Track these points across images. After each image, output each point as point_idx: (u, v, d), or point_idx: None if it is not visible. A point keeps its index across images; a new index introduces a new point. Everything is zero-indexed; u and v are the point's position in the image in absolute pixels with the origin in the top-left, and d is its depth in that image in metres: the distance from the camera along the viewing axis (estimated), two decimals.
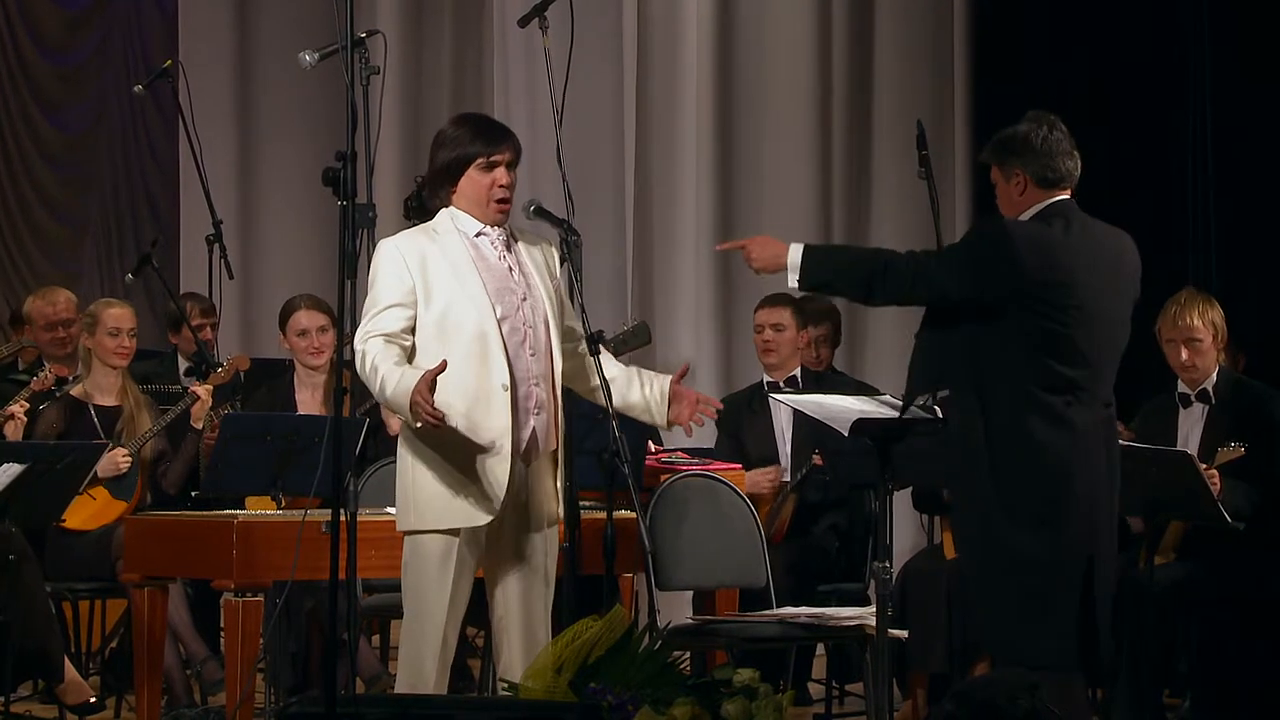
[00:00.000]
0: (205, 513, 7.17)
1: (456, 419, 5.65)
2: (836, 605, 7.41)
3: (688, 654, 6.05)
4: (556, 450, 5.82)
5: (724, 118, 10.74)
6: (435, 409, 5.51)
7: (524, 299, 5.79)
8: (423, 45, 11.85)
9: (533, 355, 5.77)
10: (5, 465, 7.11)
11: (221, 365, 8.45)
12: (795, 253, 5.78)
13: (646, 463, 7.32)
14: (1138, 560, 7.22)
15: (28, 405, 8.06)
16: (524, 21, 6.72)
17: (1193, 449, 7.18)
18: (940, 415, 5.90)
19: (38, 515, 7.52)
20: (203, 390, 8.18)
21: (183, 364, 9.31)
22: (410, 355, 5.71)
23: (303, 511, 6.30)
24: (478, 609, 6.08)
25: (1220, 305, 7.45)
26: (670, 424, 5.98)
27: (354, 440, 6.92)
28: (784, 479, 8.25)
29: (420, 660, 5.75)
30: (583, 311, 5.85)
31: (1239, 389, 7.41)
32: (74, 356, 8.50)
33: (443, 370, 5.54)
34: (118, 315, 8.19)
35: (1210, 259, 9.49)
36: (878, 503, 6.07)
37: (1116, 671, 7.15)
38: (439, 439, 5.69)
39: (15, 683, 7.74)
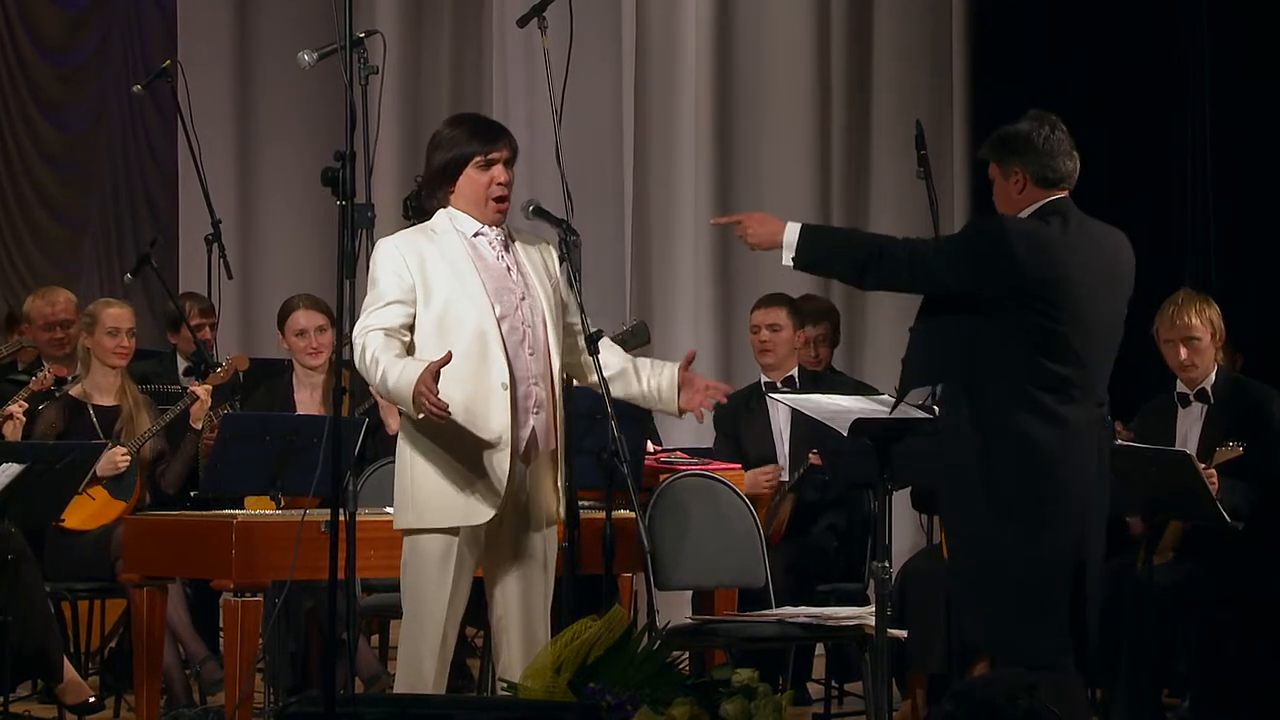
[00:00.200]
0: (204, 513, 7.17)
1: (456, 417, 5.64)
2: (835, 605, 7.42)
3: (686, 654, 6.05)
4: (556, 449, 5.82)
5: (723, 118, 10.75)
6: (439, 400, 5.50)
7: (522, 298, 5.79)
8: (422, 45, 11.85)
9: (531, 354, 5.78)
10: (4, 465, 7.11)
11: (220, 365, 8.45)
12: (791, 231, 5.78)
13: (646, 463, 7.32)
14: (1137, 560, 7.21)
15: (27, 405, 8.06)
16: (523, 21, 6.72)
17: (1191, 449, 7.18)
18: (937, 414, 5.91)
19: (37, 515, 7.52)
20: (202, 390, 8.18)
21: (182, 364, 9.31)
22: (409, 352, 5.71)
23: (302, 511, 6.30)
24: (477, 608, 6.08)
25: (1219, 306, 7.46)
26: (682, 412, 5.98)
27: (353, 440, 6.92)
28: (782, 478, 8.25)
29: (419, 660, 5.75)
30: (581, 311, 5.85)
31: (1238, 389, 7.42)
32: (73, 357, 8.50)
33: (447, 361, 5.53)
34: (116, 315, 8.19)
35: (1209, 260, 9.49)
36: (877, 502, 6.07)
37: (1116, 671, 7.16)
38: (438, 437, 5.69)
39: (14, 683, 7.74)
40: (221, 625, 7.16)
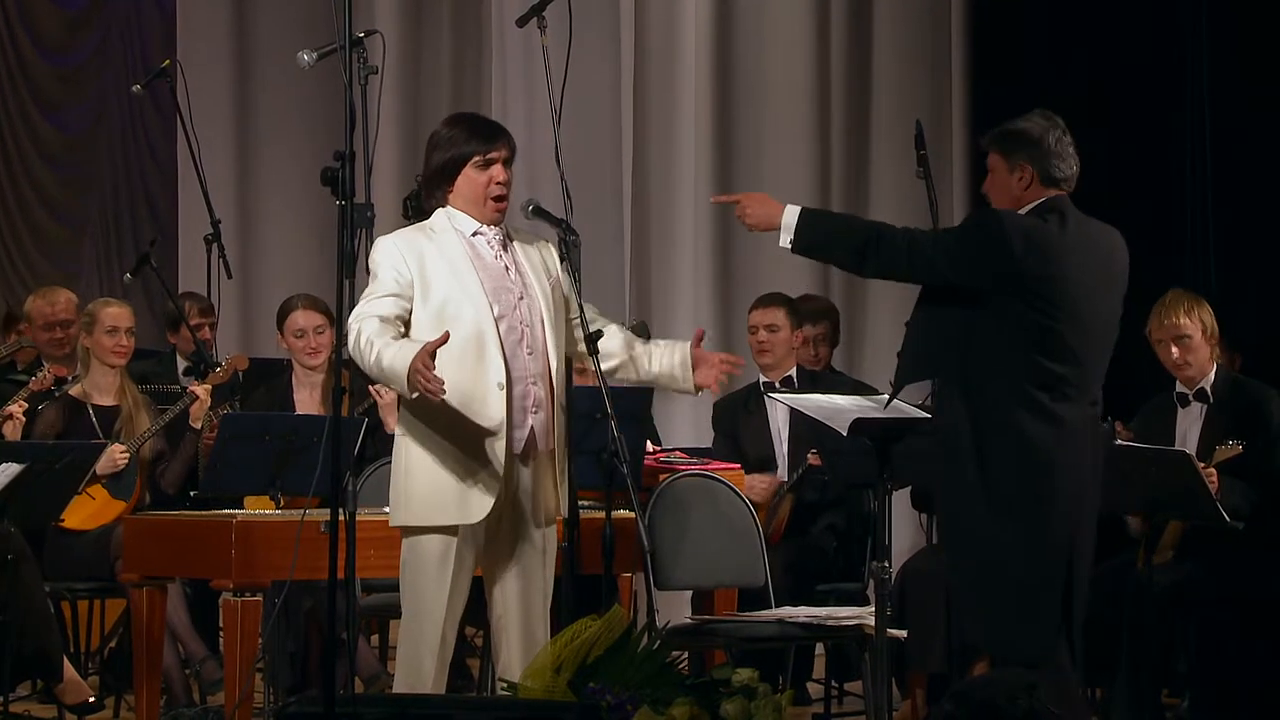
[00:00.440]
0: (204, 512, 7.17)
1: (452, 401, 5.64)
2: (835, 605, 7.42)
3: (686, 654, 6.05)
4: (556, 448, 5.81)
5: (722, 117, 10.74)
6: (435, 377, 5.46)
7: (521, 298, 5.79)
8: (421, 45, 11.85)
9: (530, 354, 5.77)
10: (4, 465, 7.11)
11: (220, 365, 8.45)
12: (790, 214, 5.77)
13: (646, 463, 7.32)
14: (1137, 560, 7.21)
15: (26, 405, 8.06)
16: (522, 21, 6.72)
17: (1191, 448, 7.19)
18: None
19: (36, 515, 7.52)
20: (201, 390, 8.18)
21: (181, 364, 9.31)
22: None
23: (301, 511, 6.30)
24: (477, 608, 6.08)
25: (1219, 307, 7.47)
26: (699, 389, 5.96)
27: (353, 440, 6.93)
28: (781, 478, 8.25)
29: (418, 660, 5.74)
30: (581, 312, 5.85)
31: (1237, 388, 7.42)
32: (73, 357, 8.50)
33: (444, 342, 5.50)
34: (115, 314, 8.19)
35: (1209, 260, 9.49)
36: (876, 502, 6.07)
37: (1116, 671, 7.16)
38: (434, 435, 5.68)
39: (14, 682, 7.74)
40: (221, 625, 7.16)
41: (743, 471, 7.73)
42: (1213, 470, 7.06)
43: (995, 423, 5.69)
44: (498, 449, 5.69)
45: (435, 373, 5.44)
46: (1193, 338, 7.35)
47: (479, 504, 5.69)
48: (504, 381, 5.69)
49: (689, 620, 7.04)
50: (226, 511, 7.08)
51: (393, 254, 5.72)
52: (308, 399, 8.12)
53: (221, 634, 7.20)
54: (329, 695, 5.17)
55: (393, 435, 5.94)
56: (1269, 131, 9.27)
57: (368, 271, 5.70)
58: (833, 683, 8.28)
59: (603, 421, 5.89)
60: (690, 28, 10.73)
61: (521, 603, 5.81)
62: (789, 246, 5.78)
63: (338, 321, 5.50)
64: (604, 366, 5.88)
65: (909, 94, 10.66)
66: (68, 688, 7.65)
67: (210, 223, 9.61)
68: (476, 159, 5.78)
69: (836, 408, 6.08)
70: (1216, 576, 7.22)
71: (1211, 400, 7.39)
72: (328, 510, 5.45)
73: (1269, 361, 8.46)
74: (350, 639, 6.06)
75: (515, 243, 5.88)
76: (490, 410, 5.69)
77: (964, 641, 7.28)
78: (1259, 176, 9.36)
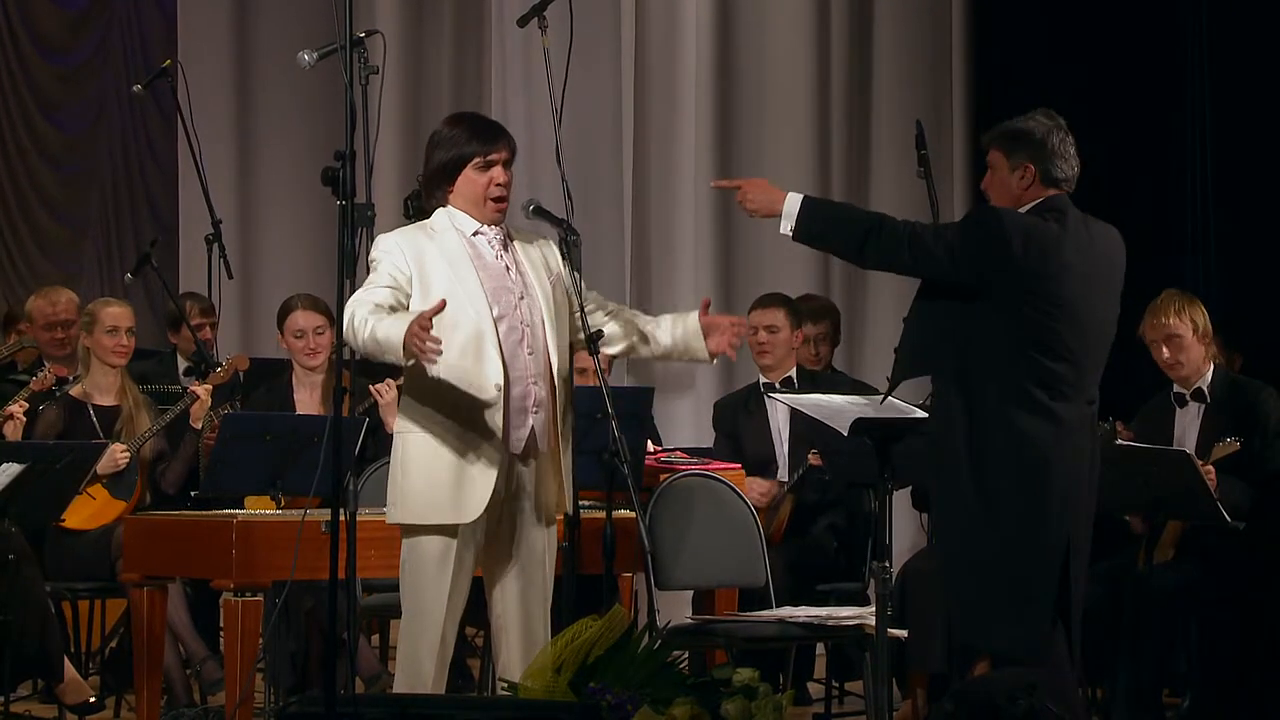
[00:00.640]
0: (204, 512, 7.17)
1: (450, 415, 5.64)
2: (835, 605, 7.42)
3: (687, 653, 6.04)
4: (559, 448, 5.81)
5: (723, 117, 10.74)
6: (433, 337, 5.40)
7: (521, 298, 5.78)
8: (422, 45, 11.85)
9: (530, 354, 5.77)
10: (5, 465, 7.11)
11: (220, 365, 8.45)
12: (792, 201, 5.76)
13: (646, 463, 7.32)
14: (1137, 560, 7.22)
15: (27, 405, 8.06)
16: (523, 21, 6.72)
17: (1189, 448, 7.19)
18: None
19: (37, 515, 7.52)
20: (202, 390, 8.18)
21: (182, 364, 9.31)
22: None
23: (302, 511, 6.30)
24: (477, 608, 6.08)
25: (1219, 307, 7.48)
26: (713, 356, 5.95)
27: (353, 440, 6.93)
28: (782, 479, 8.25)
29: (418, 660, 5.74)
30: (581, 311, 5.85)
31: (1234, 388, 7.43)
32: (74, 357, 8.50)
33: (441, 310, 5.48)
34: (115, 314, 8.19)
35: (1209, 260, 9.49)
36: (877, 502, 6.07)
37: (1116, 671, 7.16)
38: (431, 433, 5.67)
39: (15, 682, 7.74)
40: (222, 625, 7.16)
41: (743, 472, 7.73)
42: (1211, 468, 7.07)
43: (991, 419, 5.69)
44: (494, 449, 5.69)
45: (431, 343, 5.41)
46: (1184, 337, 7.36)
47: (473, 504, 5.68)
48: (501, 382, 5.69)
49: (689, 620, 7.04)
50: (227, 511, 7.08)
51: (393, 250, 5.72)
52: (308, 399, 8.12)
53: (222, 634, 7.20)
54: (330, 695, 5.17)
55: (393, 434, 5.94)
56: (1269, 131, 9.28)
57: (368, 270, 5.70)
58: (833, 682, 8.28)
59: (603, 421, 5.88)
60: (690, 28, 10.73)
61: (522, 603, 5.81)
62: (789, 234, 5.78)
63: (338, 322, 5.50)
64: (612, 351, 5.91)
65: (909, 94, 10.66)
66: (68, 688, 7.65)
67: (211, 222, 9.61)
68: (477, 160, 5.78)
69: (837, 408, 6.08)
70: (1216, 576, 7.22)
71: (1209, 400, 7.39)
72: (328, 510, 5.45)
73: (1269, 361, 8.47)
74: (351, 639, 6.05)
75: (516, 242, 5.88)
76: (487, 411, 5.68)
77: (964, 641, 7.30)
78: (1259, 176, 9.36)
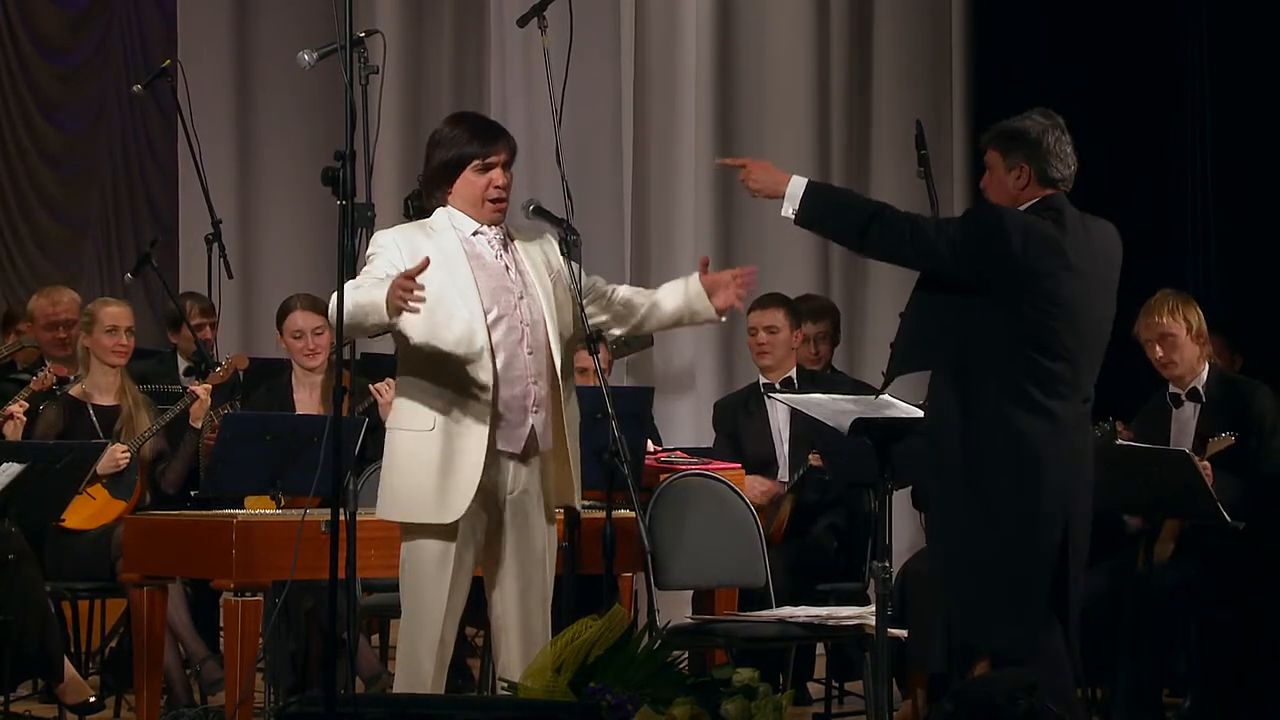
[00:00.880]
0: (204, 512, 7.17)
1: (440, 414, 5.64)
2: (835, 605, 7.42)
3: (687, 653, 6.04)
4: (563, 447, 5.80)
5: (723, 117, 10.74)
6: (417, 284, 5.35)
7: (521, 297, 5.78)
8: (422, 45, 11.85)
9: (530, 353, 5.77)
10: (5, 465, 7.11)
11: (220, 365, 8.46)
12: (796, 184, 5.75)
13: (646, 462, 7.32)
14: (1137, 559, 7.22)
15: (27, 405, 8.06)
16: (523, 21, 6.72)
17: (1186, 448, 7.19)
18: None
19: (37, 515, 7.52)
20: (202, 390, 8.18)
21: (182, 363, 9.31)
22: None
23: (302, 511, 6.30)
24: (477, 608, 6.08)
25: (1219, 307, 7.48)
26: (721, 312, 5.92)
27: (353, 440, 6.93)
28: (782, 479, 8.25)
29: (418, 660, 5.74)
30: (582, 312, 5.84)
31: (1229, 387, 7.44)
32: (75, 357, 8.50)
33: (424, 268, 5.43)
34: (115, 313, 8.19)
35: (1209, 260, 9.49)
36: (877, 502, 6.07)
37: (1116, 671, 7.16)
38: (422, 432, 5.66)
39: (15, 682, 7.74)
40: (222, 625, 7.16)
41: (743, 472, 7.73)
42: (1207, 464, 7.07)
43: (988, 418, 5.69)
44: (481, 449, 5.67)
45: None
46: (1177, 337, 7.36)
47: (457, 503, 5.67)
48: (491, 384, 5.68)
49: (689, 620, 7.04)
50: (227, 511, 7.08)
51: (389, 246, 5.72)
52: (308, 399, 8.12)
53: (222, 634, 7.20)
54: (329, 695, 5.16)
55: None
56: (1269, 131, 9.27)
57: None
58: (833, 682, 8.28)
59: (603, 421, 5.88)
60: (690, 27, 10.73)
61: (521, 603, 5.81)
62: (791, 216, 5.76)
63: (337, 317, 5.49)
64: (618, 332, 5.94)
65: (909, 94, 10.66)
66: (68, 687, 7.65)
67: (211, 222, 9.61)
68: (476, 162, 5.77)
69: (837, 408, 6.08)
70: (1216, 576, 7.22)
71: (1204, 400, 7.39)
72: (328, 510, 5.44)
73: (1269, 361, 8.47)
74: (351, 639, 6.05)
75: (516, 241, 5.87)
76: (476, 411, 5.68)
77: (964, 641, 7.30)
78: (1259, 176, 9.36)
